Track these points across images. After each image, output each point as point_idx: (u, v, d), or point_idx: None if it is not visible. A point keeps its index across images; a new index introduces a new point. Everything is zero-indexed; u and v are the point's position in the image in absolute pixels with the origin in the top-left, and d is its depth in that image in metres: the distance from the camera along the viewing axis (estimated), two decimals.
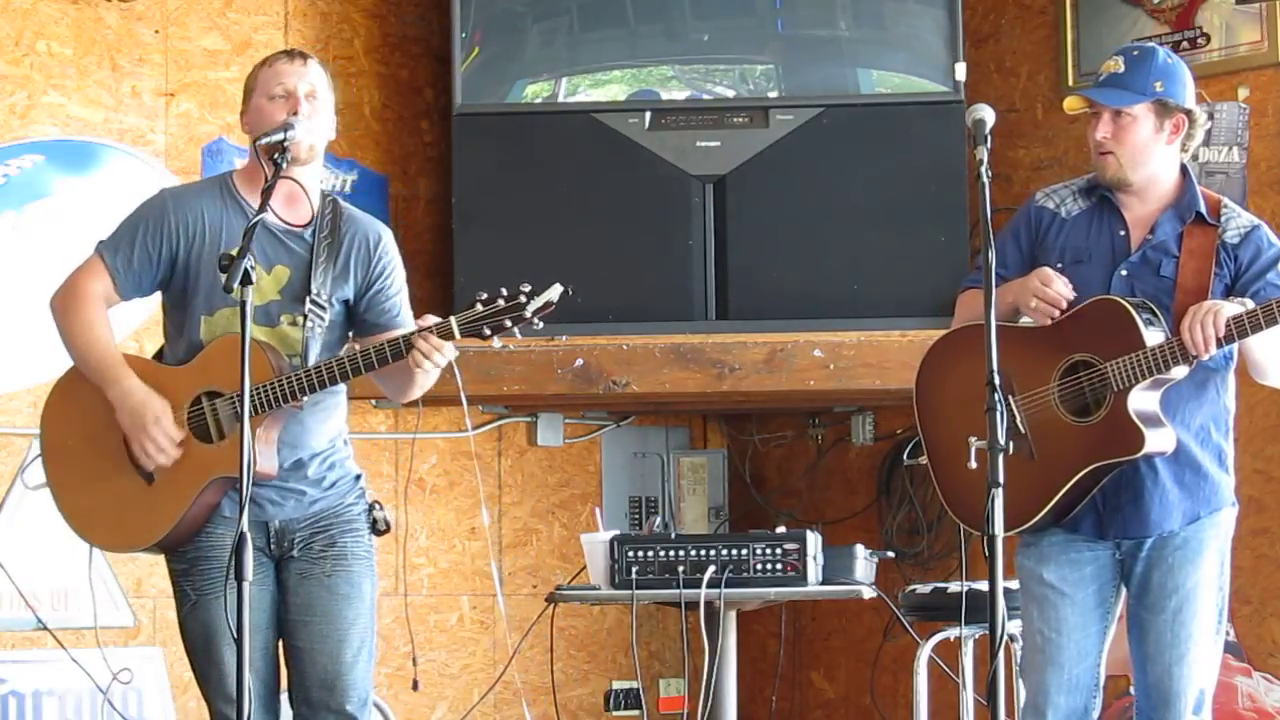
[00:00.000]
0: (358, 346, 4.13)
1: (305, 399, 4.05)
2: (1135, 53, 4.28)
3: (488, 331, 3.90)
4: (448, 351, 3.98)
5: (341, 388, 4.22)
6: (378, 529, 4.25)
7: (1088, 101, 4.28)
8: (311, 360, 4.08)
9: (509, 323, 3.88)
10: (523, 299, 3.86)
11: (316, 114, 4.14)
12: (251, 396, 3.80)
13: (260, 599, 4.09)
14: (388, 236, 4.29)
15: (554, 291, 3.87)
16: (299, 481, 4.17)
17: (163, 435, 4.06)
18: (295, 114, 4.09)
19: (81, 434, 4.19)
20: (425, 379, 4.12)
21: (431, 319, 4.00)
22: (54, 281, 4.25)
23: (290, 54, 4.21)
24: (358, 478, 4.29)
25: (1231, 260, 4.19)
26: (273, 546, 4.16)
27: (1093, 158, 4.29)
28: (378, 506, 4.27)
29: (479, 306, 3.92)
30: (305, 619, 4.15)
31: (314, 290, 4.11)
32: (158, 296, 4.27)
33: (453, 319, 3.94)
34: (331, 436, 4.24)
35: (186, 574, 4.16)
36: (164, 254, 4.14)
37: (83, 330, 4.15)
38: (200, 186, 4.39)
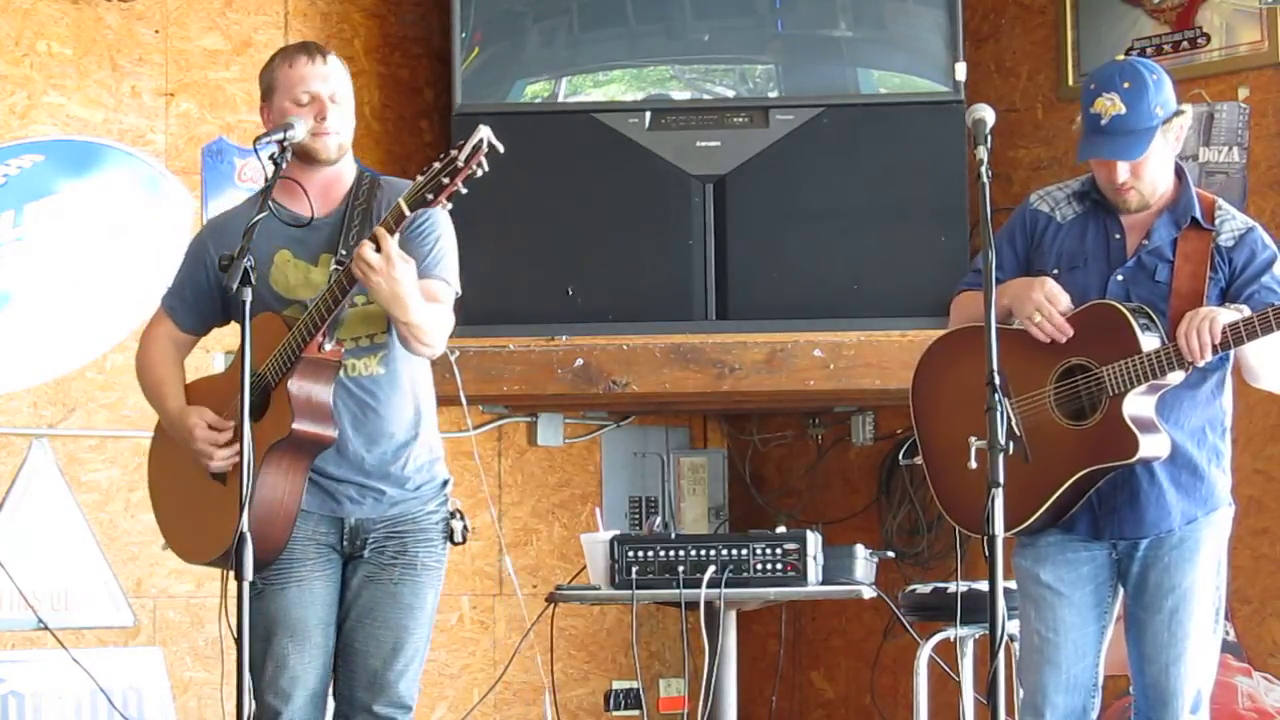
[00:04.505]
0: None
1: (329, 344, 4.01)
2: (1127, 85, 4.16)
3: (431, 196, 3.85)
4: (387, 258, 3.86)
5: (407, 369, 4.15)
6: (454, 540, 4.20)
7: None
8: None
9: (446, 179, 3.82)
10: (454, 152, 3.82)
11: (341, 114, 4.14)
12: (275, 357, 3.96)
13: (324, 595, 4.10)
14: None
15: (480, 132, 3.83)
16: (381, 480, 4.12)
17: (203, 440, 4.09)
18: (324, 119, 4.09)
19: (171, 471, 4.27)
20: (394, 303, 3.93)
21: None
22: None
23: (309, 52, 4.14)
24: (445, 483, 4.23)
25: (1226, 264, 4.17)
26: (344, 544, 4.13)
27: (1109, 194, 4.23)
28: (458, 516, 4.21)
29: (419, 179, 3.89)
30: (364, 622, 4.12)
31: (340, 250, 4.07)
32: None
33: (400, 199, 3.89)
34: (412, 421, 4.16)
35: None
36: (213, 281, 4.17)
37: (142, 373, 4.31)
38: (238, 208, 4.37)
